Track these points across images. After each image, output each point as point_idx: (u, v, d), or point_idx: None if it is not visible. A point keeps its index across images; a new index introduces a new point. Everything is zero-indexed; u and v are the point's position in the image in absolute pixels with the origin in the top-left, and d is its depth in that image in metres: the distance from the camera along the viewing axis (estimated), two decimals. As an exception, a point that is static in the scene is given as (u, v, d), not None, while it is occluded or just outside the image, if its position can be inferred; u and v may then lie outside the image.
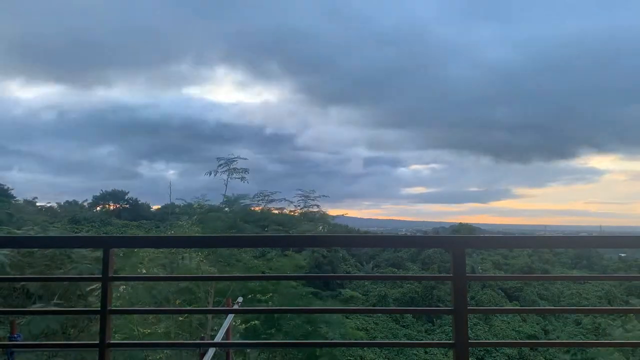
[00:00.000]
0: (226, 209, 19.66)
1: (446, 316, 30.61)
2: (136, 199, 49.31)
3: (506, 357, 27.77)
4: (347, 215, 35.19)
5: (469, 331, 2.65)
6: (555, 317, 33.13)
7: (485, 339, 27.15)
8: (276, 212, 26.26)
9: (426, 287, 34.18)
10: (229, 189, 18.98)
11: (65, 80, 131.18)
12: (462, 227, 51.29)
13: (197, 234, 13.18)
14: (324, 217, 26.74)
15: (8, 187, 39.40)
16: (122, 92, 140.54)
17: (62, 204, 49.55)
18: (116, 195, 49.10)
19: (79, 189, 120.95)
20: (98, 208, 49.54)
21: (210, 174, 18.98)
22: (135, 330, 10.48)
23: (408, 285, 35.14)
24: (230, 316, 5.97)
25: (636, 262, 42.45)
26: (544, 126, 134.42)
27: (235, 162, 18.85)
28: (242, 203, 20.60)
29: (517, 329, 31.31)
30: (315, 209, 25.49)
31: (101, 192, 49.34)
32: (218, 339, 5.36)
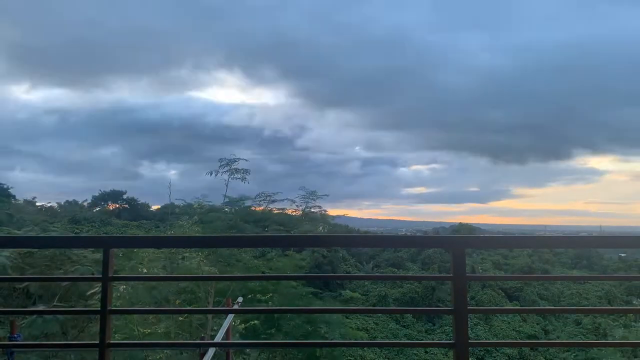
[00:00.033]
0: (226, 209, 19.67)
1: (446, 316, 30.58)
2: (135, 199, 49.34)
3: (506, 357, 27.74)
4: (347, 215, 35.34)
5: (469, 331, 2.65)
6: (555, 317, 33.11)
7: (486, 339, 27.14)
8: (277, 212, 26.33)
9: (426, 287, 34.14)
10: (230, 190, 19.01)
11: (68, 83, 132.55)
12: (462, 227, 51.36)
13: (197, 234, 13.18)
14: (324, 217, 26.80)
15: (8, 187, 39.47)
16: (123, 94, 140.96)
17: (62, 204, 49.65)
18: (115, 195, 49.07)
19: (80, 189, 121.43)
20: (98, 208, 49.50)
21: (211, 174, 19.01)
22: (135, 330, 10.48)
23: (408, 285, 35.08)
24: (230, 316, 5.97)
25: (636, 262, 42.45)
26: (541, 127, 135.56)
27: (236, 163, 18.88)
28: (244, 203, 20.63)
29: (517, 329, 31.29)
30: (316, 209, 25.57)
31: (100, 192, 49.41)
32: (218, 339, 5.36)
